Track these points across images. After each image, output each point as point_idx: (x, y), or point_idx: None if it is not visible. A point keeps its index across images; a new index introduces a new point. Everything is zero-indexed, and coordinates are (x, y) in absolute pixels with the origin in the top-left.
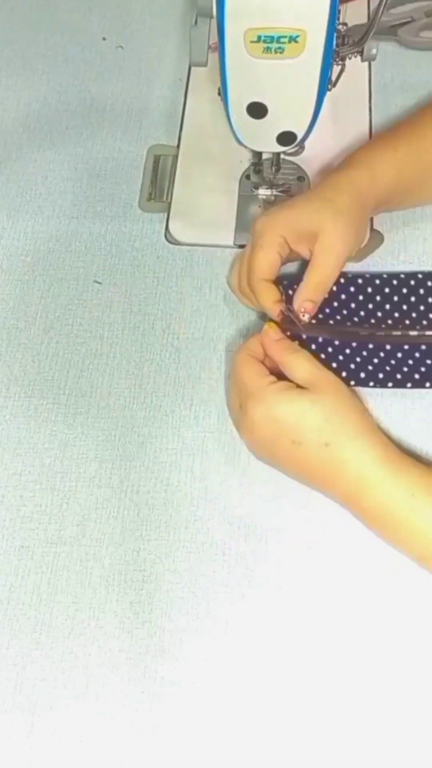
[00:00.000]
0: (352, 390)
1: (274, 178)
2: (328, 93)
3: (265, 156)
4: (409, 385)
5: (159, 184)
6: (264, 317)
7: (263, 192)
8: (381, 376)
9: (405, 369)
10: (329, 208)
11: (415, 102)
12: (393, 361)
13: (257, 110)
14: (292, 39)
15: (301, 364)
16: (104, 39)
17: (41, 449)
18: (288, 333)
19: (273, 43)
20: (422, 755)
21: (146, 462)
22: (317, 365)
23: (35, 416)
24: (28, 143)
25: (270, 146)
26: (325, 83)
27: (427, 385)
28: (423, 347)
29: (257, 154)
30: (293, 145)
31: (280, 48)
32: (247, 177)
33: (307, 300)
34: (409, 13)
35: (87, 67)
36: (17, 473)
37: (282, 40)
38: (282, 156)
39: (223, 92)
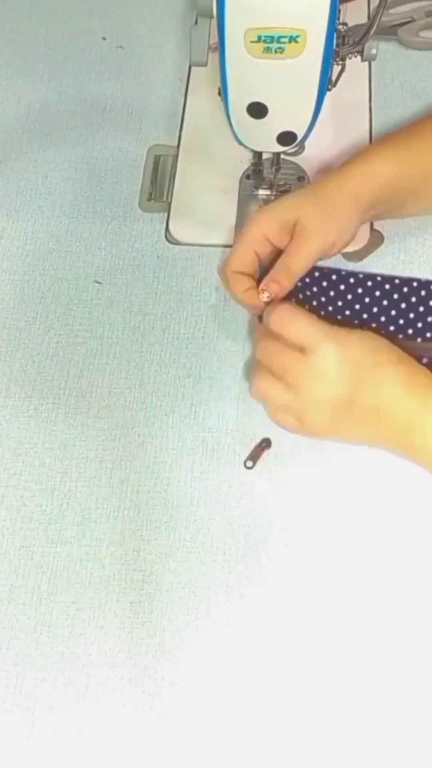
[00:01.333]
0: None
1: (274, 178)
2: (328, 93)
3: (265, 156)
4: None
5: (159, 184)
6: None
7: (263, 192)
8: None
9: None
10: (313, 200)
11: (415, 102)
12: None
13: (257, 110)
14: (292, 39)
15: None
16: (104, 39)
17: (41, 449)
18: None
19: (273, 43)
20: (422, 754)
21: (146, 462)
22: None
23: (35, 416)
24: (28, 143)
25: (270, 146)
26: (325, 83)
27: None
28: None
29: (257, 154)
30: (293, 145)
31: (280, 48)
32: (247, 177)
33: (272, 281)
34: (409, 13)
35: (87, 67)
36: (17, 473)
37: (282, 40)
38: (282, 156)
39: (223, 92)
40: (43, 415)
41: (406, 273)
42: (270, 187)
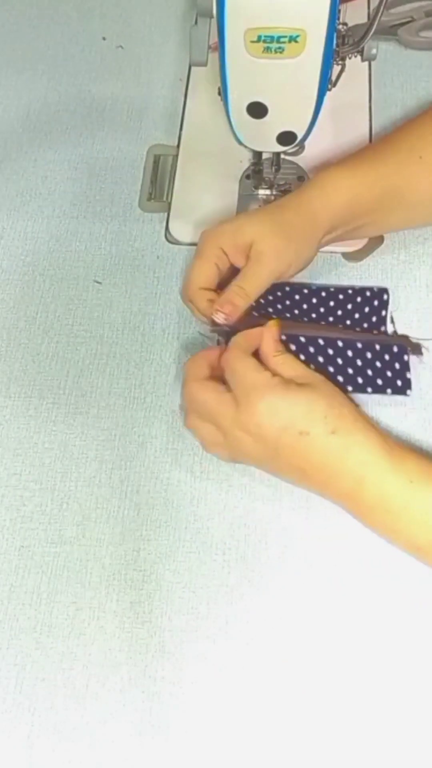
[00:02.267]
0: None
1: (274, 178)
2: (328, 93)
3: (265, 156)
4: (369, 390)
5: (159, 184)
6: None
7: (263, 192)
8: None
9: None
10: (269, 222)
11: (415, 102)
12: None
13: (257, 110)
14: (292, 39)
15: (291, 362)
16: (104, 39)
17: (41, 449)
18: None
19: (273, 43)
20: (422, 755)
21: (146, 462)
22: (306, 367)
23: (35, 416)
24: (28, 143)
25: (270, 146)
26: (325, 83)
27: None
28: (368, 354)
29: (257, 154)
30: (293, 145)
31: (280, 48)
32: (247, 177)
33: (227, 302)
34: (409, 13)
35: (87, 67)
36: (17, 473)
37: (282, 40)
38: (282, 156)
39: (223, 92)
40: (43, 415)
41: (405, 273)
42: (270, 187)
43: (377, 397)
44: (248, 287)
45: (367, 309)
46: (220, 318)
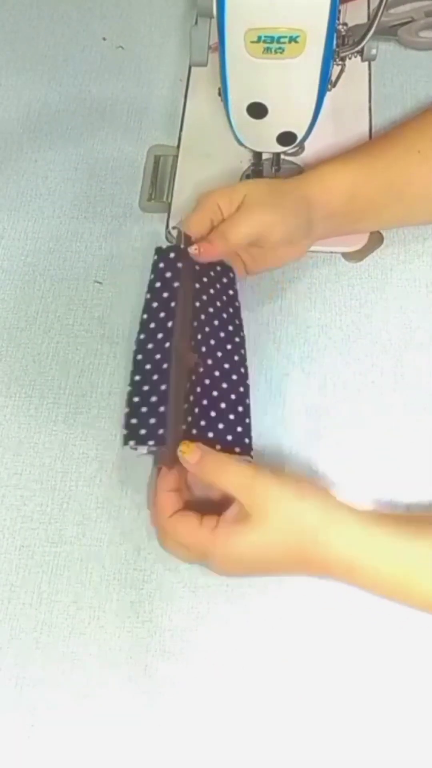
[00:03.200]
0: (296, 480)
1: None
2: (328, 93)
3: (265, 156)
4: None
5: (159, 184)
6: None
7: None
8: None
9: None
10: (265, 186)
11: (415, 102)
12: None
13: (257, 110)
14: (292, 39)
15: (232, 476)
16: (104, 39)
17: (41, 449)
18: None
19: (273, 44)
20: (422, 755)
21: (146, 462)
22: (249, 471)
23: (35, 416)
24: (28, 143)
25: (270, 146)
26: (325, 83)
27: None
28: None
29: (257, 154)
30: (293, 145)
31: (280, 48)
32: (247, 177)
33: (206, 241)
34: (408, 13)
35: (87, 67)
36: (17, 473)
37: (282, 40)
38: (282, 156)
39: (223, 92)
40: (43, 415)
41: (405, 273)
42: None
43: None
44: (230, 233)
45: (218, 286)
46: (192, 250)
